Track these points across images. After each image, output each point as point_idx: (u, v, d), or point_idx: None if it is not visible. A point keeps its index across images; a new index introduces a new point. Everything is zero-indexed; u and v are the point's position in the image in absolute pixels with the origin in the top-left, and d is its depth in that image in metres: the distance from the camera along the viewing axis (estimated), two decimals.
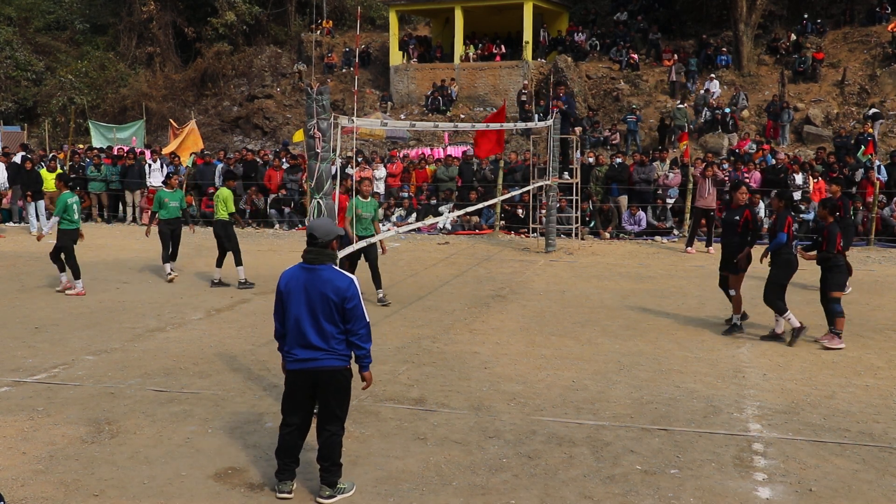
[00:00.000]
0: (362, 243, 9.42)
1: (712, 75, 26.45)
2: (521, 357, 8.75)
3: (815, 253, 9.51)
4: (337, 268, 5.37)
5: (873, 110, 23.81)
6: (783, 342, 9.40)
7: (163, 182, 14.23)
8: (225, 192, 12.74)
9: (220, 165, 20.81)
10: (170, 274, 13.14)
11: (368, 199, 11.49)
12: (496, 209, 18.70)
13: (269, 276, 13.23)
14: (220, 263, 12.68)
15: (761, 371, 8.30)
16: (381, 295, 11.45)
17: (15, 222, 20.09)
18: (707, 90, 25.78)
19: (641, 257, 15.69)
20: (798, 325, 9.27)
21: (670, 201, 18.37)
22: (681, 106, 24.33)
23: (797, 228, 9.61)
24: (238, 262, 12.64)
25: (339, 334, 5.26)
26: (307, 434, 5.50)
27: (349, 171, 19.57)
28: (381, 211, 16.51)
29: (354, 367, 5.44)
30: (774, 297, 9.38)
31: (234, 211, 12.75)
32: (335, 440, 5.38)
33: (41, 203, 18.95)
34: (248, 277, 12.86)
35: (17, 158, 20.93)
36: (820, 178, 17.78)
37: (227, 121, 30.95)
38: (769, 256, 9.53)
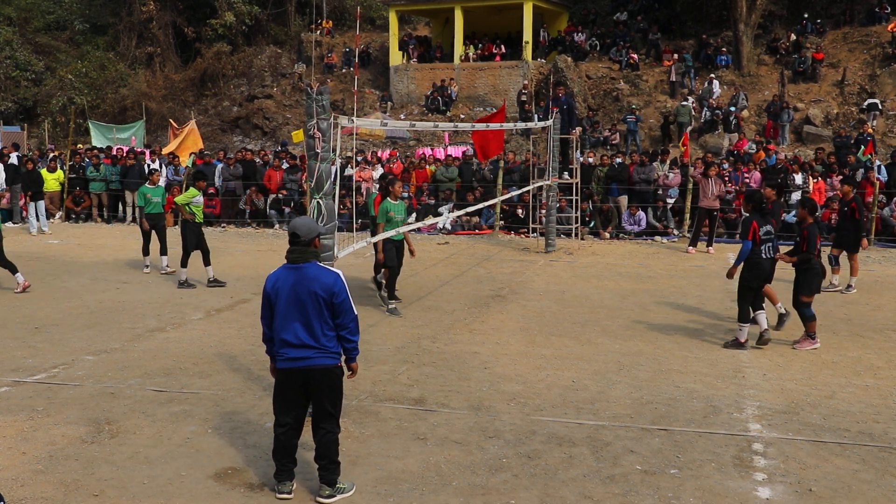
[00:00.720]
0: (377, 237, 9.51)
1: (712, 75, 26.46)
2: (521, 357, 8.75)
3: (794, 256, 9.23)
4: (321, 264, 5.39)
5: (870, 101, 23.83)
6: (771, 336, 9.25)
7: (146, 179, 14.47)
8: (190, 191, 12.74)
9: (219, 165, 20.82)
10: (147, 268, 13.77)
11: (398, 202, 11.05)
12: (496, 209, 18.70)
13: None
14: (206, 262, 12.69)
15: (761, 371, 8.30)
16: (392, 306, 10.93)
17: (15, 222, 20.10)
18: (710, 86, 25.82)
19: (641, 257, 15.69)
20: (743, 340, 9.02)
21: (670, 201, 18.36)
22: (685, 103, 24.42)
23: (766, 233, 9.02)
24: (182, 263, 12.58)
25: (329, 331, 5.29)
26: (301, 433, 5.50)
27: (349, 171, 19.59)
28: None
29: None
30: (742, 301, 9.07)
31: (182, 202, 12.51)
32: (331, 438, 5.38)
33: (41, 203, 18.97)
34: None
35: (14, 159, 20.89)
36: (820, 179, 17.79)
37: (226, 121, 30.96)
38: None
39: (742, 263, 9.03)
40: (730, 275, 9.32)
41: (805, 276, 9.16)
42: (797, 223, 9.49)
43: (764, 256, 8.97)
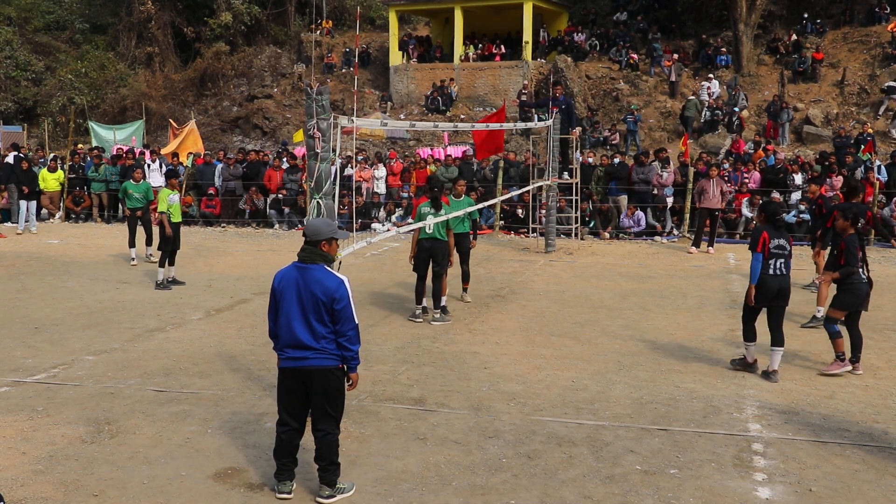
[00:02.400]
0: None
1: (710, 75, 26.47)
2: (521, 357, 8.75)
3: (835, 273, 8.35)
4: (329, 268, 5.34)
5: (890, 83, 23.95)
6: (755, 372, 8.29)
7: (131, 176, 15.02)
8: (162, 193, 12.78)
9: (219, 165, 20.80)
10: (133, 260, 14.36)
11: (462, 198, 11.27)
12: (496, 209, 18.69)
13: (269, 277, 13.12)
14: (170, 261, 12.67)
15: (761, 371, 8.29)
16: (465, 297, 10.97)
17: (14, 222, 20.06)
18: (734, 82, 26.02)
19: (641, 257, 15.69)
20: (752, 360, 8.20)
21: (669, 201, 18.33)
22: (692, 98, 24.56)
23: (778, 247, 8.04)
24: (161, 263, 12.56)
25: (329, 334, 5.26)
26: (303, 433, 5.50)
27: (349, 170, 19.59)
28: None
29: None
30: (744, 319, 8.32)
31: (164, 210, 12.51)
32: (330, 439, 5.37)
33: (32, 203, 18.89)
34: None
35: (10, 158, 20.82)
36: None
37: (226, 121, 30.96)
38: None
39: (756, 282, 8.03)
40: (749, 300, 8.11)
41: (841, 291, 8.32)
42: (837, 234, 8.58)
43: (771, 273, 7.95)
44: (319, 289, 5.21)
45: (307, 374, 5.28)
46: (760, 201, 17.17)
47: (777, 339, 8.10)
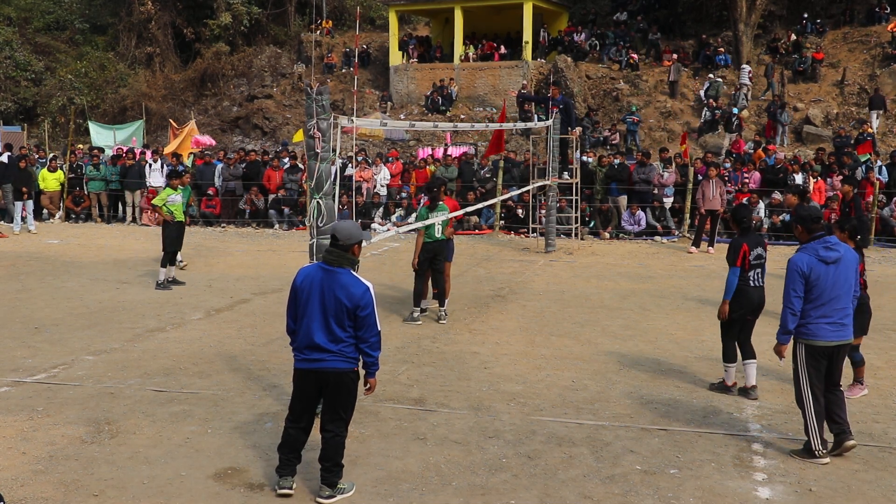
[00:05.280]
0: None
1: (710, 75, 26.48)
2: (521, 357, 8.75)
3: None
4: (355, 273, 5.32)
5: None
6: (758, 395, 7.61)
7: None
8: (165, 191, 12.75)
9: (219, 165, 20.79)
10: (181, 262, 13.71)
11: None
12: (496, 209, 18.70)
13: (269, 277, 13.24)
14: (171, 262, 12.62)
15: (761, 371, 8.27)
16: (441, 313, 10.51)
17: (7, 223, 20.00)
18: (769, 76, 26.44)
19: (641, 257, 15.69)
20: (730, 383, 7.61)
21: (668, 201, 18.32)
22: (717, 80, 24.85)
23: (757, 257, 7.55)
24: (163, 263, 12.47)
25: (348, 338, 5.26)
26: (310, 432, 5.51)
27: (349, 171, 19.58)
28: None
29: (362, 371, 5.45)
30: (724, 336, 7.67)
31: (157, 204, 12.45)
32: (338, 441, 5.38)
33: (29, 203, 18.81)
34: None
35: (4, 158, 20.78)
36: (819, 178, 17.78)
37: (226, 121, 30.96)
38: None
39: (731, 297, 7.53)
40: (721, 314, 7.58)
41: (855, 314, 7.33)
42: None
43: (752, 284, 7.50)
44: (345, 294, 5.19)
45: (323, 376, 5.28)
46: (758, 202, 17.22)
47: (750, 352, 7.65)
